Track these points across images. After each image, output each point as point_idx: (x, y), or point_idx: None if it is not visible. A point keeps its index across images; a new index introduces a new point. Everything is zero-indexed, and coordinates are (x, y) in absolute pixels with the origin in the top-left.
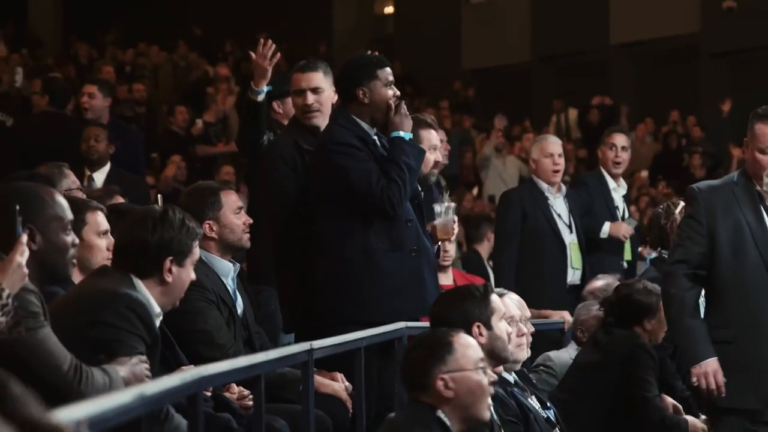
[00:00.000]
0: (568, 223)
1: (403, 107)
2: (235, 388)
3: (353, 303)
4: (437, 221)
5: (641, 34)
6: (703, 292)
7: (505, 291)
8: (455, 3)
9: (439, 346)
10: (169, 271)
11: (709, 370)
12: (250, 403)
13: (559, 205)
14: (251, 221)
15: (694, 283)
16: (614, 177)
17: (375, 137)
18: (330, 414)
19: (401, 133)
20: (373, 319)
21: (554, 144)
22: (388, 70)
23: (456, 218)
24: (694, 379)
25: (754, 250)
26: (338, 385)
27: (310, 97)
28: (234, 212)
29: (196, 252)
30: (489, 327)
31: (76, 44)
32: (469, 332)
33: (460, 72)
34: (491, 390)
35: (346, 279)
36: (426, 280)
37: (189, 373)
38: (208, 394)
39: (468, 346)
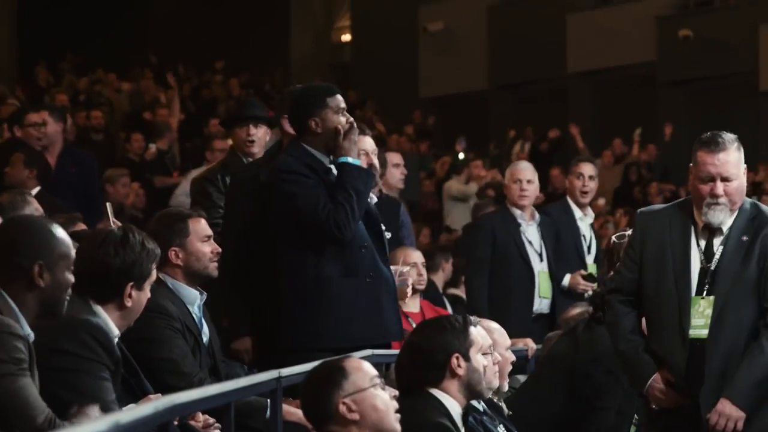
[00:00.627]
0: (539, 251)
1: (353, 133)
2: (200, 416)
3: (308, 331)
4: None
5: (598, 63)
6: None
7: (478, 320)
8: (413, 31)
9: (332, 373)
10: (129, 295)
11: (656, 391)
12: (216, 431)
13: (531, 232)
14: (219, 250)
15: (631, 308)
16: (581, 206)
17: (331, 166)
18: None
19: (348, 159)
20: (330, 345)
21: (524, 170)
22: (339, 97)
23: (410, 281)
24: (653, 406)
25: (671, 284)
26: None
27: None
28: (201, 240)
29: (154, 273)
30: (467, 359)
31: (36, 67)
32: (448, 363)
33: (418, 100)
34: (395, 404)
35: (300, 307)
36: (384, 306)
37: (161, 401)
38: (175, 423)
39: (359, 367)
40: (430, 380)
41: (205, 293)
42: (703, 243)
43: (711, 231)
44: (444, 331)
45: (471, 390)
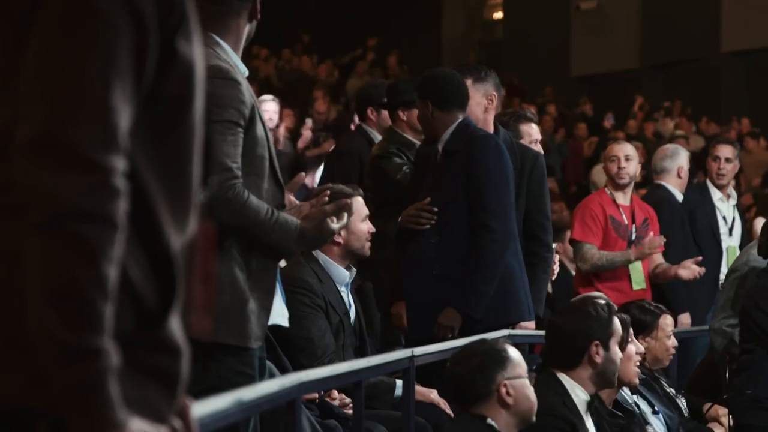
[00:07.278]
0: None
1: None
2: (336, 393)
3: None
4: None
5: (753, 42)
6: None
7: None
8: (564, 9)
9: (497, 354)
10: None
11: None
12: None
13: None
14: (374, 230)
15: None
16: (720, 188)
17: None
18: (431, 422)
19: None
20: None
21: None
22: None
23: None
24: None
25: None
26: (434, 393)
27: None
28: (362, 219)
29: None
30: (607, 348)
31: None
32: (587, 350)
33: (569, 78)
34: None
35: None
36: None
37: (288, 378)
38: (308, 397)
39: (519, 354)
40: (563, 364)
41: (355, 270)
42: None
43: None
44: (587, 317)
45: (603, 379)
